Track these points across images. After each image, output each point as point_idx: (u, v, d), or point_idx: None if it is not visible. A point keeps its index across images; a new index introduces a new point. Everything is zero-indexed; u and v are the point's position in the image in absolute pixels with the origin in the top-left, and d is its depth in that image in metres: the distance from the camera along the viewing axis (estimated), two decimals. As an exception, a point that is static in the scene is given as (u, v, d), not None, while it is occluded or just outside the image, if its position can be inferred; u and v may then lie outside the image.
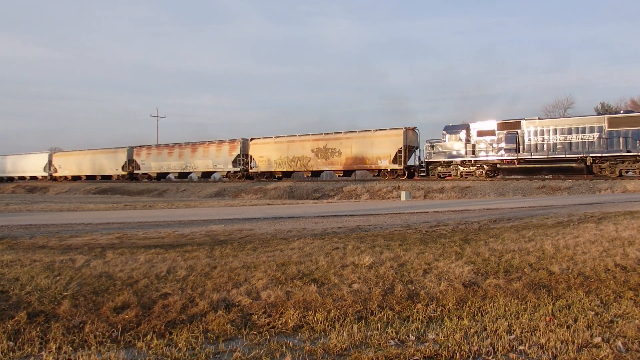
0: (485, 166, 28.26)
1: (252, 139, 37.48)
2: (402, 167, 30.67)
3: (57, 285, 5.32)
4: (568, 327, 4.38)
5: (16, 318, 4.51)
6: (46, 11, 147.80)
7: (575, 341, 4.01)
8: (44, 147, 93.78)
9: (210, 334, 4.37)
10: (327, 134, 34.55)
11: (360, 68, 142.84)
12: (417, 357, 3.76)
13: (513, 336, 4.19)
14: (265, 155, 36.56)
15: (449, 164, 29.27)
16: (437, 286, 5.67)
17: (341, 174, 34.15)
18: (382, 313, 4.90)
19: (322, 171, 36.49)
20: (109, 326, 4.46)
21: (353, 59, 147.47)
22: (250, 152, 37.31)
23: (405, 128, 30.89)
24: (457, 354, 3.80)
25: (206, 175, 41.41)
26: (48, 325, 4.42)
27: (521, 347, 3.95)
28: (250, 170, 37.34)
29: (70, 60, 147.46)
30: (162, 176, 44.42)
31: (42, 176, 53.25)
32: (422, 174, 30.46)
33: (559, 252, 7.07)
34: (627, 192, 21.55)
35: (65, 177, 50.67)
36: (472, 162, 28.57)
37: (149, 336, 4.27)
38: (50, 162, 51.91)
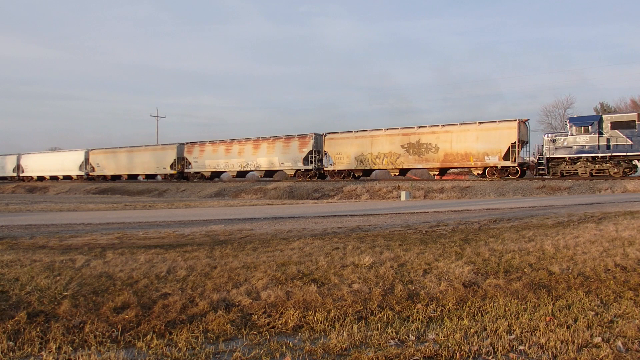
0: (622, 163, 24.85)
1: (327, 134, 34.08)
2: (515, 164, 27.32)
3: (57, 285, 5.32)
4: (568, 327, 4.38)
5: (16, 318, 4.51)
6: (47, 11, 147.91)
7: (575, 341, 4.01)
8: (43, 147, 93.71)
9: (210, 334, 4.38)
10: (421, 127, 31.03)
11: (360, 68, 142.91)
12: (417, 357, 3.76)
13: (513, 336, 4.20)
14: (345, 151, 32.89)
15: (575, 160, 25.85)
16: (437, 286, 5.67)
17: (436, 172, 30.70)
18: (382, 313, 4.90)
19: (410, 169, 32.82)
20: (109, 326, 4.46)
21: (354, 59, 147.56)
22: (326, 149, 33.72)
23: (518, 120, 27.55)
24: (457, 354, 3.80)
25: (270, 174, 38.20)
26: (48, 325, 4.42)
27: (521, 347, 3.95)
28: (325, 169, 34.00)
29: (70, 60, 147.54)
30: (216, 175, 40.56)
31: (77, 176, 49.06)
32: (541, 172, 26.99)
33: (559, 252, 7.07)
34: (627, 192, 21.55)
35: (104, 177, 46.72)
36: (607, 158, 25.03)
37: (149, 336, 4.28)
38: (86, 161, 47.70)
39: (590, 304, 5.14)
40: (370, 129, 32.69)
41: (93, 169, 47.37)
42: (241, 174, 39.16)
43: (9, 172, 54.72)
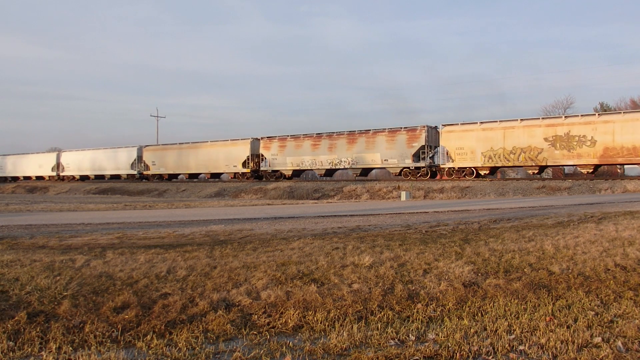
0: None
1: (444, 126, 29.84)
2: None
3: (57, 285, 5.32)
4: (568, 327, 4.38)
5: (16, 318, 4.51)
6: (47, 11, 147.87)
7: (575, 341, 4.01)
8: (43, 147, 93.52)
9: (210, 334, 4.38)
10: (569, 116, 27.30)
11: (360, 68, 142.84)
12: (417, 357, 3.76)
13: (513, 336, 4.19)
14: (467, 146, 28.35)
15: None
16: (437, 286, 5.67)
17: (591, 170, 25.98)
18: (382, 313, 4.90)
19: (554, 166, 28.46)
20: (109, 326, 4.46)
21: (354, 59, 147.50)
22: (443, 143, 29.50)
23: None
24: (457, 354, 3.80)
25: (365, 172, 33.91)
26: (48, 325, 4.42)
27: (521, 347, 3.95)
28: (442, 165, 29.58)
29: (71, 61, 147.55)
30: (297, 174, 36.42)
31: (127, 175, 44.85)
32: None
33: (559, 252, 7.07)
34: (627, 192, 21.54)
35: (160, 176, 42.58)
36: None
37: (149, 336, 4.27)
38: (139, 158, 43.61)
39: (590, 304, 5.14)
40: (501, 119, 28.35)
41: (147, 167, 43.04)
42: (329, 172, 35.45)
43: (48, 171, 50.94)
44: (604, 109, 52.65)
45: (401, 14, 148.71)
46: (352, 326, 4.49)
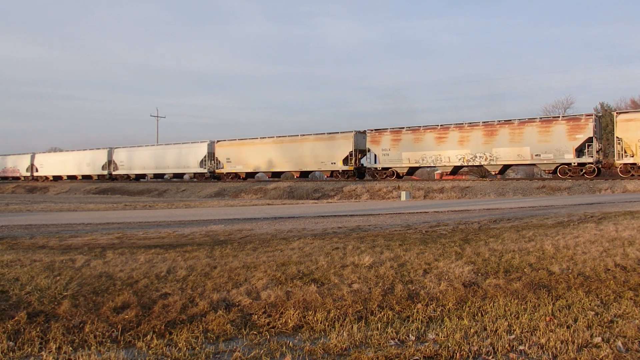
0: None
1: (619, 113, 25.53)
2: None
3: (57, 285, 5.32)
4: (568, 327, 4.38)
5: (16, 318, 4.50)
6: (48, 11, 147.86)
7: (575, 341, 4.01)
8: (43, 147, 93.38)
9: (210, 334, 4.37)
10: None
11: (360, 68, 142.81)
12: (417, 357, 3.76)
13: (513, 336, 4.19)
14: None
15: None
16: (437, 286, 5.67)
17: None
18: (382, 313, 4.90)
19: None
20: (109, 326, 4.46)
21: (354, 59, 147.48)
22: (619, 134, 24.45)
23: None
24: (457, 354, 3.80)
25: (503, 169, 29.11)
26: (48, 325, 4.42)
27: (521, 347, 3.95)
28: (617, 162, 24.91)
29: (71, 61, 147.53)
30: (411, 172, 32.21)
31: (195, 174, 40.25)
32: None
33: (559, 252, 7.07)
34: (627, 192, 21.54)
35: (237, 175, 37.92)
36: None
37: (149, 336, 4.27)
38: (211, 155, 38.81)
39: (590, 304, 5.14)
40: None
41: (220, 165, 38.37)
42: (455, 170, 30.79)
43: (98, 169, 46.97)
44: (604, 109, 52.58)
45: (401, 14, 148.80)
46: (352, 326, 4.49)
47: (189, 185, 37.37)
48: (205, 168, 38.92)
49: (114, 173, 46.00)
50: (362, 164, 32.74)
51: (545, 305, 5.08)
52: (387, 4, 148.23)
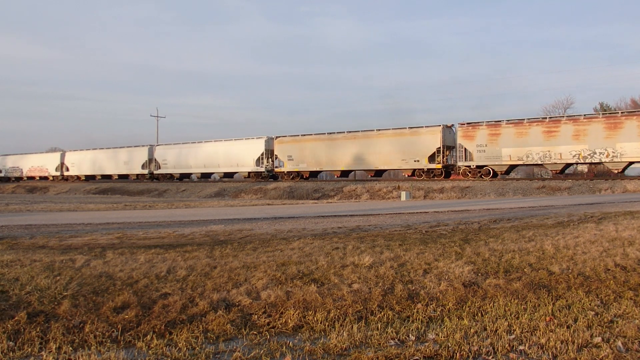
0: None
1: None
2: None
3: (57, 285, 5.32)
4: (568, 327, 4.38)
5: (16, 318, 4.51)
6: (48, 11, 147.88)
7: (575, 341, 4.01)
8: (43, 147, 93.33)
9: (210, 334, 4.37)
10: None
11: (361, 68, 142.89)
12: (417, 357, 3.76)
13: (513, 336, 4.19)
14: None
15: None
16: (437, 286, 5.67)
17: None
18: (382, 313, 4.90)
19: None
20: (109, 326, 4.46)
21: (354, 59, 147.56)
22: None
23: None
24: (457, 354, 3.80)
25: (627, 167, 25.61)
26: (48, 325, 4.42)
27: (521, 347, 3.95)
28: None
29: (71, 61, 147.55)
30: (508, 170, 28.76)
31: (251, 173, 36.82)
32: None
33: (559, 252, 7.07)
34: (627, 192, 21.54)
35: (298, 174, 34.68)
36: None
37: (149, 336, 4.27)
38: (269, 152, 35.68)
39: (590, 304, 5.14)
40: None
41: (280, 163, 35.29)
42: (563, 169, 27.22)
43: (137, 168, 44.01)
44: (604, 109, 52.63)
45: (401, 14, 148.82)
46: (352, 326, 4.49)
47: (189, 185, 37.36)
48: (262, 167, 35.55)
49: (155, 172, 42.84)
50: (448, 162, 30.02)
51: (545, 305, 5.08)
52: (387, 4, 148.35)
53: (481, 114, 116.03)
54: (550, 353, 3.82)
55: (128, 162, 44.54)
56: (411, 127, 31.04)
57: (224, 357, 3.87)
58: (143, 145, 44.37)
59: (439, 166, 29.18)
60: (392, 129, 31.79)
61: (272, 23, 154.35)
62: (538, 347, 3.93)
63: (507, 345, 3.99)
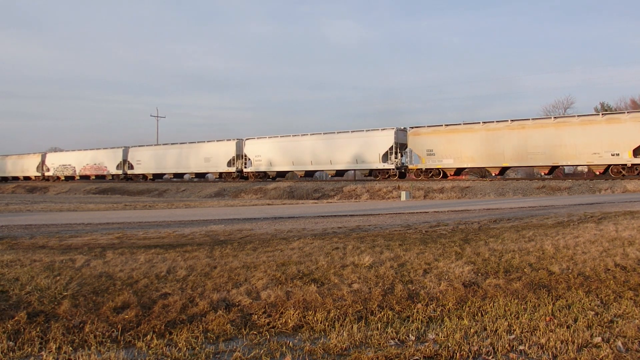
0: None
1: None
2: None
3: (57, 285, 5.32)
4: (568, 327, 4.38)
5: (16, 318, 4.51)
6: (48, 11, 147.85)
7: (575, 341, 4.01)
8: (43, 147, 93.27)
9: (210, 334, 4.37)
10: None
11: (361, 68, 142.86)
12: (417, 357, 3.76)
13: (513, 336, 4.19)
14: None
15: None
16: (437, 286, 5.67)
17: None
18: (382, 313, 4.90)
19: None
20: (109, 326, 4.46)
21: (354, 59, 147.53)
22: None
23: None
24: (457, 354, 3.80)
25: None
26: (48, 325, 4.42)
27: (521, 347, 3.95)
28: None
29: (71, 60, 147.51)
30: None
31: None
32: None
33: (559, 252, 7.07)
34: (627, 192, 21.54)
35: (440, 172, 29.52)
36: None
37: (149, 336, 4.27)
38: (400, 146, 30.79)
39: (590, 304, 5.14)
40: None
41: (416, 159, 30.49)
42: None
43: (222, 166, 38.61)
44: (604, 109, 52.62)
45: (401, 14, 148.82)
46: (352, 326, 4.49)
47: (189, 185, 37.35)
48: (391, 163, 30.53)
49: (246, 171, 37.61)
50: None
51: (545, 305, 5.08)
52: (387, 4, 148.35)
53: (481, 114, 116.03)
54: (550, 353, 3.82)
55: (210, 158, 39.60)
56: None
57: (224, 357, 3.87)
58: (233, 139, 38.36)
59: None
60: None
61: (272, 23, 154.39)
62: (538, 347, 3.93)
63: (507, 345, 3.99)
